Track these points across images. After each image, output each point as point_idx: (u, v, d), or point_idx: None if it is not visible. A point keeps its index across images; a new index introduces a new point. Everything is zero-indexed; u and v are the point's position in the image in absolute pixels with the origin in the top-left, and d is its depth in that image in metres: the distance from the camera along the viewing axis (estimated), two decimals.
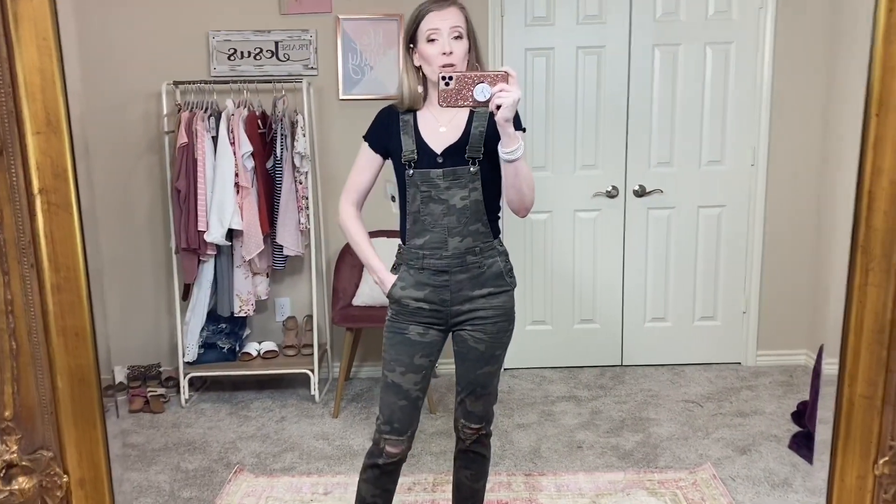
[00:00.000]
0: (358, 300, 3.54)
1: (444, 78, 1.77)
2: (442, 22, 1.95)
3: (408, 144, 2.03)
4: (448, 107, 1.83)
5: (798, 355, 3.94)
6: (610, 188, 3.83)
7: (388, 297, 2.12)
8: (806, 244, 3.83)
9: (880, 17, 0.99)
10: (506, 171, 1.94)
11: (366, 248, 2.17)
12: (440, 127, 2.04)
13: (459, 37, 1.97)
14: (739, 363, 3.97)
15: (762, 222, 3.82)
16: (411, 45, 2.02)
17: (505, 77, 1.78)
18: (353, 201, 2.16)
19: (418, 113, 2.06)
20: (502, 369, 3.77)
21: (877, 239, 1.05)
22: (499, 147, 1.90)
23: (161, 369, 3.79)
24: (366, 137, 2.13)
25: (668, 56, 3.72)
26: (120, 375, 3.75)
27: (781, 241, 3.84)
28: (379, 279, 2.13)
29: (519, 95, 1.79)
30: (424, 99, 2.07)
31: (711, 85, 3.74)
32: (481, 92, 1.76)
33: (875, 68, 1.01)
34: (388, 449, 2.12)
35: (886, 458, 1.08)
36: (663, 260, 3.90)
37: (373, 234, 2.34)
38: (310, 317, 3.70)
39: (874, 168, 1.03)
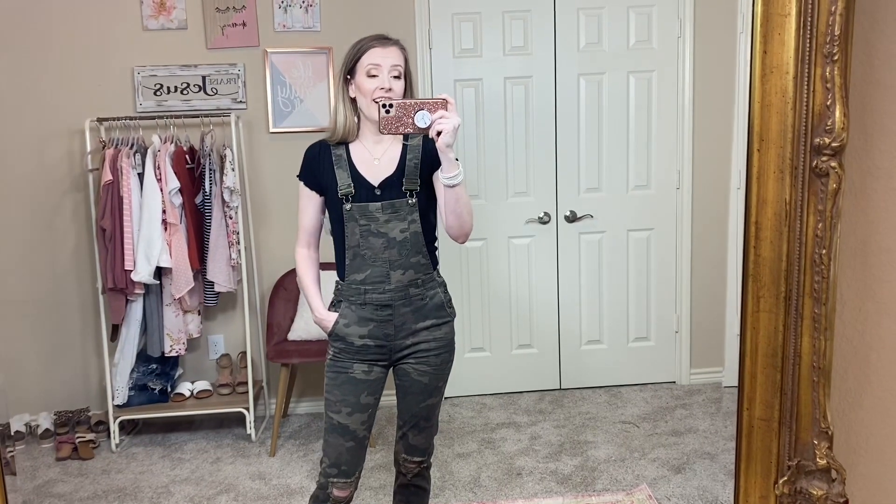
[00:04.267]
0: (293, 335, 3.50)
1: (384, 105, 1.78)
2: (384, 59, 1.97)
3: (343, 178, 2.02)
4: (389, 134, 1.84)
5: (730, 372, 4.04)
6: (542, 214, 3.89)
7: (330, 335, 2.09)
8: (730, 263, 3.95)
9: (756, 58, 1.05)
10: (446, 196, 1.95)
11: (308, 286, 2.15)
12: (374, 160, 2.04)
13: (399, 76, 1.99)
14: (674, 382, 4.06)
15: (689, 243, 3.93)
16: (348, 76, 2.03)
17: (444, 104, 1.81)
18: (304, 243, 2.15)
19: (351, 146, 2.05)
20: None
21: (765, 267, 1.09)
22: (439, 173, 1.92)
23: (90, 413, 3.67)
24: (300, 177, 2.12)
25: (592, 85, 3.83)
26: (46, 422, 3.61)
27: (708, 261, 3.95)
28: (318, 318, 2.11)
29: (459, 122, 1.82)
30: (357, 131, 2.07)
31: (635, 112, 3.86)
32: (422, 119, 1.78)
33: (754, 106, 1.07)
34: (336, 493, 2.09)
35: (785, 478, 1.12)
36: (596, 283, 3.97)
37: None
38: (244, 353, 3.64)
39: (759, 199, 1.08)
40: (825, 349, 1.08)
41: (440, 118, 1.79)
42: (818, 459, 1.10)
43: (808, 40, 1.02)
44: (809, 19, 1.02)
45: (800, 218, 1.07)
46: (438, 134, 1.80)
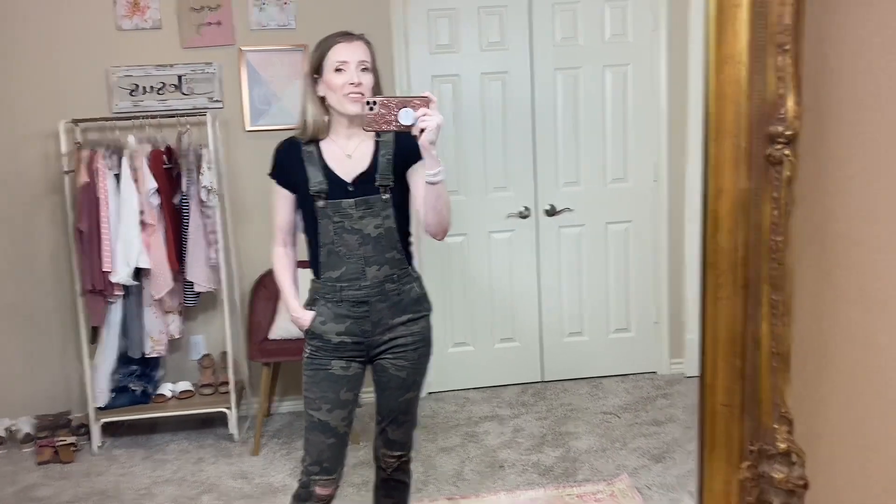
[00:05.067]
0: (274, 334, 3.50)
1: (368, 103, 1.79)
2: (350, 55, 1.97)
3: (315, 175, 2.02)
4: (372, 131, 1.86)
5: None
6: (522, 209, 3.91)
7: (306, 333, 2.10)
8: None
9: (711, 49, 1.06)
10: (427, 193, 1.95)
11: (284, 286, 2.16)
12: (346, 156, 2.04)
13: (366, 69, 2.00)
14: (655, 372, 4.09)
15: (667, 235, 3.96)
16: (315, 76, 2.03)
17: (427, 102, 1.82)
18: (280, 242, 2.16)
19: (322, 143, 2.06)
20: (423, 394, 3.79)
21: (723, 256, 1.11)
22: (422, 171, 1.93)
23: (71, 417, 3.65)
24: (272, 175, 2.12)
25: (569, 79, 3.84)
26: (26, 426, 3.59)
27: (686, 253, 3.98)
28: (294, 316, 2.11)
29: (441, 120, 1.83)
30: (328, 128, 2.08)
31: (612, 105, 3.88)
32: (405, 116, 1.79)
33: (710, 97, 1.08)
34: (318, 491, 2.09)
35: (748, 463, 1.14)
36: (576, 276, 3.99)
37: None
38: (225, 353, 3.63)
39: (716, 190, 1.10)
40: (783, 335, 1.10)
41: (423, 116, 1.80)
42: (778, 443, 1.12)
43: (760, 30, 1.04)
44: (761, 10, 1.03)
45: (756, 206, 1.08)
46: (422, 131, 1.81)
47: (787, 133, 1.05)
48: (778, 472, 1.12)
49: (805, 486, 1.12)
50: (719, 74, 1.07)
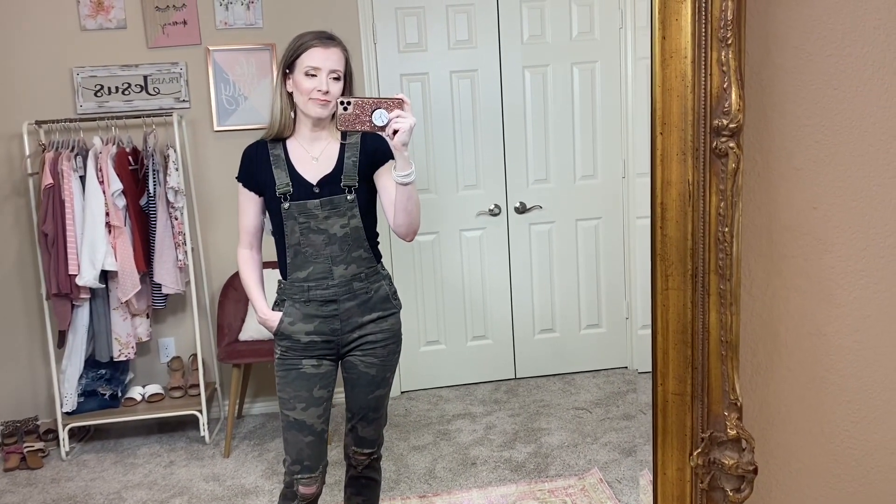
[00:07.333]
0: (244, 335, 3.48)
1: (342, 103, 1.80)
2: (324, 62, 1.97)
3: (281, 178, 2.03)
4: (346, 130, 1.87)
5: None
6: (492, 206, 3.92)
7: (275, 334, 2.10)
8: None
9: (656, 44, 1.08)
10: (398, 194, 1.97)
11: (251, 288, 2.16)
12: (313, 159, 2.05)
13: (337, 78, 2.00)
14: (626, 367, 4.13)
15: (636, 230, 3.99)
16: (287, 71, 2.03)
17: (400, 103, 1.83)
18: (245, 244, 2.16)
19: (288, 145, 2.07)
20: (396, 392, 3.79)
21: (672, 246, 1.13)
22: (393, 171, 1.94)
23: (38, 422, 3.60)
24: (239, 178, 2.12)
25: (537, 77, 3.87)
26: None
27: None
28: (262, 318, 2.11)
29: (414, 121, 1.84)
30: (294, 126, 2.08)
31: (580, 102, 3.91)
32: (379, 117, 1.81)
33: (656, 90, 1.10)
34: (302, 490, 2.10)
35: (699, 450, 1.16)
36: (547, 273, 4.02)
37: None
38: (195, 356, 3.60)
39: (664, 181, 1.12)
40: (731, 323, 1.12)
41: (397, 117, 1.82)
42: (728, 430, 1.14)
43: (703, 25, 1.06)
44: (704, 5, 1.05)
45: (703, 198, 1.10)
46: (395, 133, 1.83)
47: (732, 126, 1.06)
48: (728, 458, 1.14)
49: (755, 472, 1.14)
50: (665, 69, 1.08)
